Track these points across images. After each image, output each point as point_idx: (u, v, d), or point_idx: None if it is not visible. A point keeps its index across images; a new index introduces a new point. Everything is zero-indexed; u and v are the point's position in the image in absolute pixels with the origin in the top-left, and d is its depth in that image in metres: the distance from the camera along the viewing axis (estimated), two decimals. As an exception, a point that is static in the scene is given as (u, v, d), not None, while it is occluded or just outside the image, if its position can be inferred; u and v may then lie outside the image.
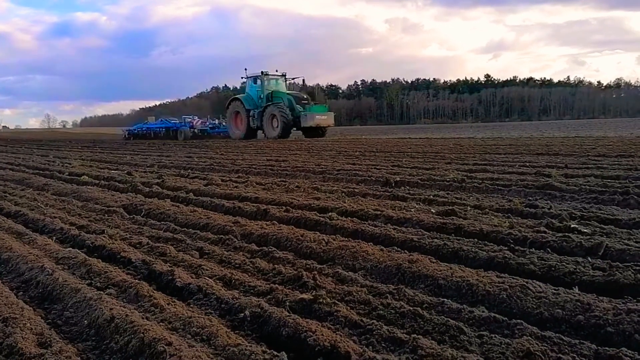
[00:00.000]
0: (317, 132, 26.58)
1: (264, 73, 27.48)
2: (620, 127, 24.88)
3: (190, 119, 32.20)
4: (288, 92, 27.64)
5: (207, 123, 32.24)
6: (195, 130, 30.29)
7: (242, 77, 29.32)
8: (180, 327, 2.22)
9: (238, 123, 28.10)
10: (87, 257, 3.40)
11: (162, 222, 4.66)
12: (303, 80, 30.10)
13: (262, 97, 27.02)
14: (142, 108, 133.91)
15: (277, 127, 25.36)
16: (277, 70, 28.37)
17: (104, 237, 3.98)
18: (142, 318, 2.28)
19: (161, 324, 2.26)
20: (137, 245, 3.78)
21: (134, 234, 4.21)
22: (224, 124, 31.40)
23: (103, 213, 5.20)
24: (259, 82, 27.52)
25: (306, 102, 26.98)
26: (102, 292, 2.70)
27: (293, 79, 29.58)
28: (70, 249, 3.67)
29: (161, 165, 10.68)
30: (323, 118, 26.19)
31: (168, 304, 2.49)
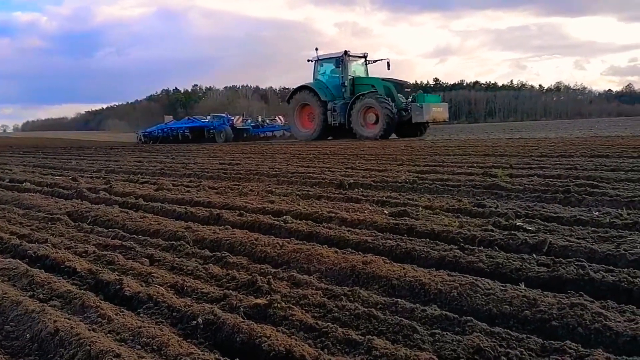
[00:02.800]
0: (418, 129, 20.76)
1: (347, 53, 21.38)
2: (560, 129, 26.09)
3: (218, 117, 26.83)
4: (383, 77, 21.15)
5: (249, 121, 27.26)
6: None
7: (308, 60, 22.51)
8: (130, 337, 2.15)
9: (305, 119, 22.08)
10: (29, 267, 3.23)
11: (110, 229, 4.50)
12: (388, 62, 21.84)
13: (345, 84, 21.10)
14: (88, 111, 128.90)
15: (377, 123, 19.58)
16: (347, 52, 21.83)
17: (47, 246, 3.80)
18: (89, 330, 2.19)
19: (109, 335, 2.18)
20: (83, 254, 3.63)
21: (79, 243, 4.05)
22: (267, 122, 26.97)
23: (46, 221, 4.98)
24: (340, 65, 21.36)
25: (409, 90, 21.28)
26: (45, 304, 2.57)
27: (374, 61, 22.78)
28: (11, 259, 3.49)
29: (109, 170, 10.34)
30: (439, 110, 20.33)
31: (116, 315, 2.40)
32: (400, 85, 20.94)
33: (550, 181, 5.98)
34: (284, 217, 4.45)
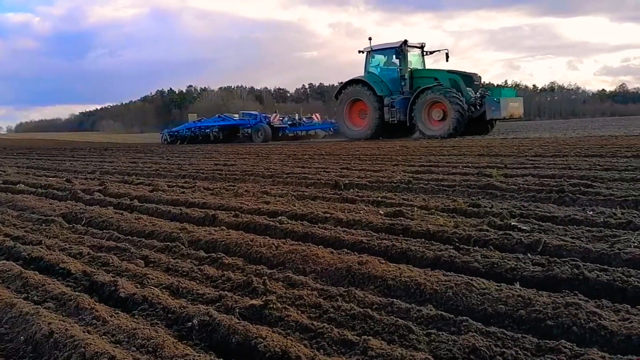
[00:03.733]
0: (485, 126, 18.77)
1: (407, 43, 19.25)
2: (554, 129, 26.14)
3: (249, 114, 25.02)
4: (448, 69, 19.16)
5: (285, 119, 25.15)
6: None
7: (359, 51, 20.41)
8: (125, 339, 2.14)
9: (355, 117, 20.14)
10: (23, 269, 3.21)
11: (105, 231, 4.48)
12: (447, 53, 19.76)
13: (405, 77, 19.11)
14: (82, 112, 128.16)
15: (444, 120, 17.66)
16: (406, 42, 19.39)
17: (42, 248, 3.78)
18: (83, 332, 2.18)
19: (104, 337, 2.17)
20: (78, 256, 3.61)
21: (73, 244, 4.03)
22: (304, 119, 25.21)
23: (40, 223, 4.95)
24: (400, 56, 19.29)
25: (478, 83, 19.08)
26: (39, 306, 2.56)
27: (432, 52, 20.58)
28: (5, 261, 3.47)
29: (103, 172, 10.30)
30: (515, 106, 18.34)
31: (111, 316, 2.40)
32: (468, 77, 18.72)
33: (545, 181, 6.00)
34: (280, 217, 4.45)
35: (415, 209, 4.68)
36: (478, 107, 18.13)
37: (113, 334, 2.21)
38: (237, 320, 2.24)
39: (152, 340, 2.08)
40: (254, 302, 2.47)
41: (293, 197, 5.74)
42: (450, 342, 2.02)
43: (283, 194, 6.04)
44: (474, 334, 2.06)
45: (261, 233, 4.08)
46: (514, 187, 5.65)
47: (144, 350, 2.04)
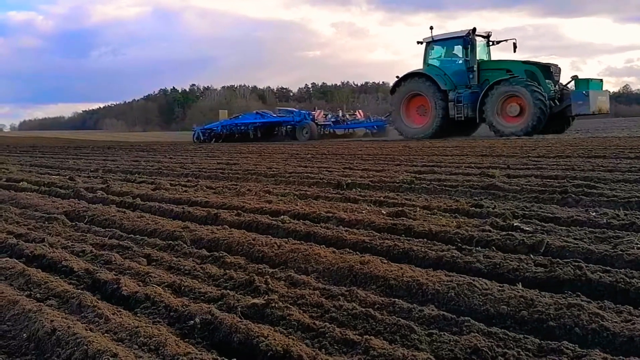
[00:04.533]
0: (560, 123, 17.01)
1: (475, 32, 17.45)
2: (557, 129, 26.07)
3: (287, 111, 24.37)
4: (523, 60, 17.44)
5: (329, 116, 24.37)
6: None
7: (418, 42, 18.64)
8: (127, 337, 2.14)
9: (414, 113, 18.42)
10: (25, 267, 3.22)
11: (107, 229, 4.49)
12: (514, 44, 17.52)
13: (473, 69, 17.30)
14: (85, 111, 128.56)
15: (520, 115, 15.98)
16: (474, 30, 17.52)
17: (44, 245, 3.79)
18: (86, 329, 2.19)
19: (106, 335, 2.18)
20: (80, 254, 3.62)
21: (76, 242, 4.04)
22: (347, 116, 24.27)
23: (43, 220, 4.96)
24: (468, 48, 17.52)
25: (557, 75, 17.07)
26: (42, 303, 2.57)
27: (499, 41, 18.53)
28: (8, 258, 3.48)
29: (106, 170, 10.32)
30: (603, 100, 16.43)
31: (113, 314, 2.40)
32: (546, 69, 16.81)
33: (548, 182, 5.99)
34: (282, 217, 4.45)
35: (418, 209, 4.67)
36: (558, 102, 16.48)
37: (115, 332, 2.21)
38: (239, 319, 2.24)
39: (154, 339, 2.09)
40: (255, 301, 2.47)
41: (295, 197, 5.74)
42: (452, 343, 2.02)
43: (285, 193, 6.05)
44: (476, 334, 2.06)
45: (263, 232, 4.08)
46: (516, 187, 5.63)
47: (146, 349, 2.04)
